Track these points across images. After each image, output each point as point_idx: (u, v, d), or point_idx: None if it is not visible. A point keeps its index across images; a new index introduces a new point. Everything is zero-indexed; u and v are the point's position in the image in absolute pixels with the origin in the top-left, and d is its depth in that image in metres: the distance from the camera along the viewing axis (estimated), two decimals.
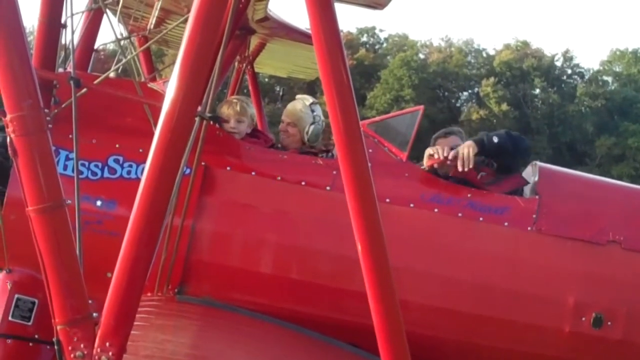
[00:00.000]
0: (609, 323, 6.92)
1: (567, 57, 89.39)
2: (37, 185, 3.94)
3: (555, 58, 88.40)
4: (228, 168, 6.98)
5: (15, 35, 3.88)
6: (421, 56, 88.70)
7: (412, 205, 7.03)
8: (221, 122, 7.28)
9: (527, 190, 7.34)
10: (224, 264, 6.97)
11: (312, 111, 7.88)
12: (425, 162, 7.31)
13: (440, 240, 7.05)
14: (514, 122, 77.55)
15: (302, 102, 7.95)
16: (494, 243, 7.05)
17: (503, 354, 7.10)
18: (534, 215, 6.99)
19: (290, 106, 8.00)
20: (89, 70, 8.45)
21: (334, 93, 4.05)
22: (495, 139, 7.22)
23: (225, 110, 7.49)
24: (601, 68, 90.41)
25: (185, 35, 3.87)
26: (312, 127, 7.78)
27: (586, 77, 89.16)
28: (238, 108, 7.55)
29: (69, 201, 4.07)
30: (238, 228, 7.04)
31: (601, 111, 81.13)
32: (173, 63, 4.01)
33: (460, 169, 7.11)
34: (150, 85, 7.30)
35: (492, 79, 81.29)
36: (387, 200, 6.85)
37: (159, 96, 6.21)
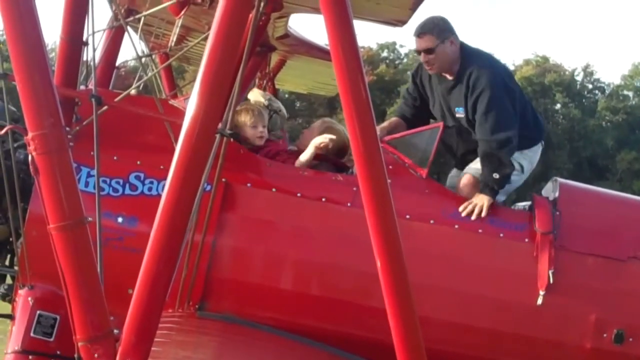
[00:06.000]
0: (631, 339, 6.89)
1: (588, 72, 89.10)
2: (58, 203, 3.96)
3: (576, 73, 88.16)
4: (248, 184, 6.98)
5: (37, 53, 3.91)
6: None
7: (432, 221, 7.03)
8: (242, 139, 7.30)
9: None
10: (245, 280, 6.97)
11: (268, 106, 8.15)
12: None
13: (461, 257, 7.04)
14: None
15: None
16: (514, 259, 7.03)
17: None
18: (555, 232, 6.96)
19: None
20: (110, 87, 8.51)
21: (353, 110, 4.05)
22: (497, 175, 7.21)
23: (249, 118, 7.46)
24: (622, 82, 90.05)
25: (205, 53, 3.88)
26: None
27: (607, 91, 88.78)
28: (261, 112, 7.60)
29: (90, 218, 4.08)
30: (259, 244, 7.03)
31: (622, 126, 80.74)
32: (194, 80, 4.02)
33: (474, 218, 7.14)
34: (171, 102, 7.33)
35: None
36: (407, 216, 6.84)
37: (180, 113, 6.23)
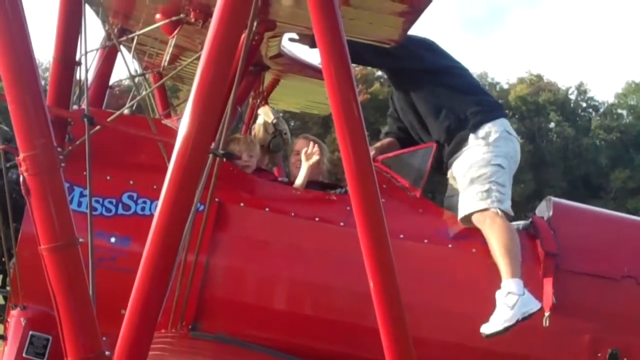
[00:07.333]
0: (625, 359, 6.88)
1: (581, 91, 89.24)
2: (50, 224, 3.94)
3: (570, 91, 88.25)
4: (241, 204, 6.97)
5: (28, 73, 3.90)
6: None
7: (426, 241, 7.02)
8: (234, 159, 7.29)
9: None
10: (238, 300, 6.95)
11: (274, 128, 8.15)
12: None
13: (454, 276, 7.03)
14: (529, 155, 77.45)
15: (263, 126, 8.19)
16: None
17: None
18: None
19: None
20: (103, 106, 8.49)
21: (346, 129, 4.06)
22: None
23: (235, 147, 7.50)
24: (616, 101, 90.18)
25: (198, 72, 3.87)
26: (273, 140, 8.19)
27: (601, 110, 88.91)
28: (248, 142, 7.61)
29: (82, 239, 4.06)
30: (252, 264, 7.02)
31: (616, 144, 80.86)
32: (188, 99, 4.00)
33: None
34: (164, 121, 7.32)
35: (506, 113, 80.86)
36: (401, 236, 6.83)
37: (173, 133, 6.22)
